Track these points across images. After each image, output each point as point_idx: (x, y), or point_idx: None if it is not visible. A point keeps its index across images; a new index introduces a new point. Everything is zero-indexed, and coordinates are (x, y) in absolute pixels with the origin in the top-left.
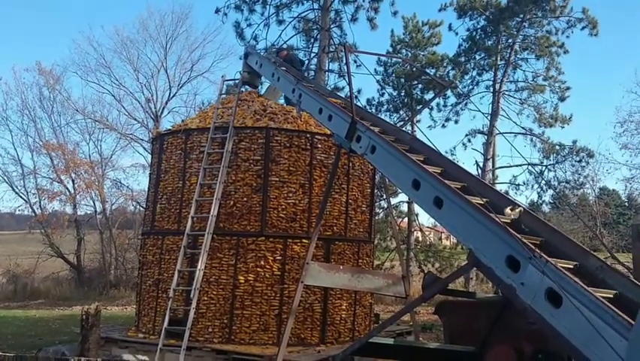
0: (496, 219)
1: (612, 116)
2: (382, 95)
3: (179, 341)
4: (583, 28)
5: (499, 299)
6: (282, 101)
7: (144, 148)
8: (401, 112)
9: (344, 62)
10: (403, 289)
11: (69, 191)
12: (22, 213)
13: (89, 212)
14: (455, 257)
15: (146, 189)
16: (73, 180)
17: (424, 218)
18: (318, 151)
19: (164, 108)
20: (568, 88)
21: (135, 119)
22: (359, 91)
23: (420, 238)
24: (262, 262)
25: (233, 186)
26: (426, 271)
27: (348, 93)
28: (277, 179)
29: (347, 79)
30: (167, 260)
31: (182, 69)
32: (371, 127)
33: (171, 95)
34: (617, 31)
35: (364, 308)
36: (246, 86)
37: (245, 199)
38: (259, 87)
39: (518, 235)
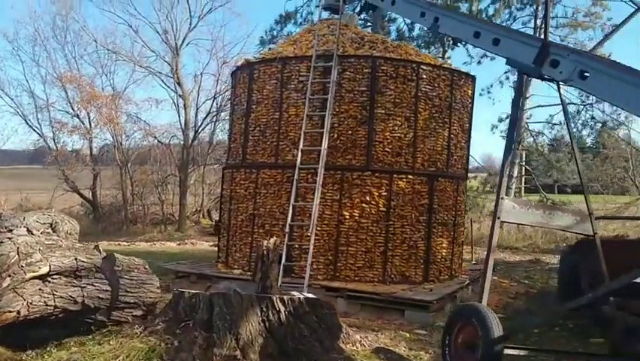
0: None
1: None
2: (412, 29)
3: (285, 277)
4: None
5: None
6: None
7: (162, 81)
8: (432, 48)
9: None
10: (591, 226)
11: (84, 125)
12: (31, 148)
13: (105, 146)
14: None
15: (227, 121)
16: (88, 114)
17: None
18: (424, 82)
19: (184, 40)
20: (612, 25)
21: (153, 51)
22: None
23: None
24: (367, 198)
25: (337, 118)
26: None
27: None
28: (383, 111)
29: None
30: (263, 195)
31: None
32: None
33: (192, 26)
34: None
35: (459, 247)
36: (328, 12)
37: (349, 132)
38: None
39: None
